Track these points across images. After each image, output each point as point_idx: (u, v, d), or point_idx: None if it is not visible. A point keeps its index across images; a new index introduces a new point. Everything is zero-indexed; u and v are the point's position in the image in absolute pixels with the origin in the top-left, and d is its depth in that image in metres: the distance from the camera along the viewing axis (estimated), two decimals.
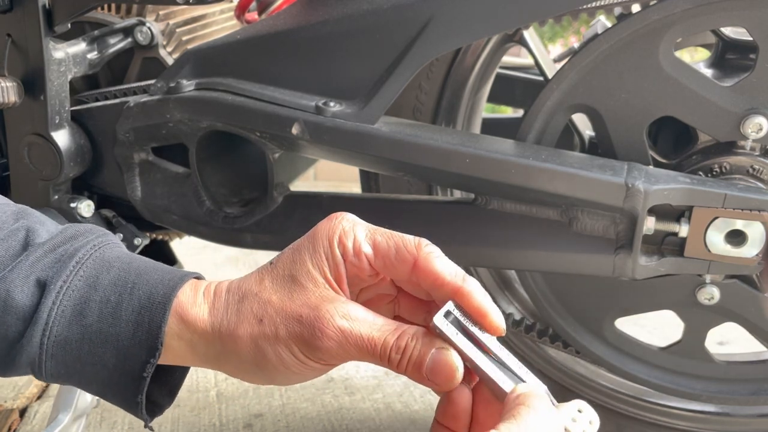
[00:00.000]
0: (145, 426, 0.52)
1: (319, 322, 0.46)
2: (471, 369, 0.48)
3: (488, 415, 0.48)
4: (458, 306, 0.47)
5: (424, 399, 1.33)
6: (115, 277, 0.50)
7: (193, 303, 0.50)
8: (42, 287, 0.49)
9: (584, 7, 0.77)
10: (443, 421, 0.48)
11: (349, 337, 0.46)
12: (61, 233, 0.53)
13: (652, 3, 0.75)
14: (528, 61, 1.17)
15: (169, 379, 0.55)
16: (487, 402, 0.48)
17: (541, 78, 1.01)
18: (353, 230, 0.50)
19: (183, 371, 0.56)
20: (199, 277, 0.53)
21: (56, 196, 0.91)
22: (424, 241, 0.49)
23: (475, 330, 0.47)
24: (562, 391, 0.99)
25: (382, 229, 0.50)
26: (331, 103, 0.79)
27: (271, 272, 0.50)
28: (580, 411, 0.45)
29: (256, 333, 0.48)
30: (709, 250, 0.74)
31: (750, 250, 0.74)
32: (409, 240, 0.49)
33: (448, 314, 0.47)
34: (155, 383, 0.53)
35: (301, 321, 0.47)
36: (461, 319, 0.47)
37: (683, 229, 0.75)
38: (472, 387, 0.49)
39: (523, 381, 0.46)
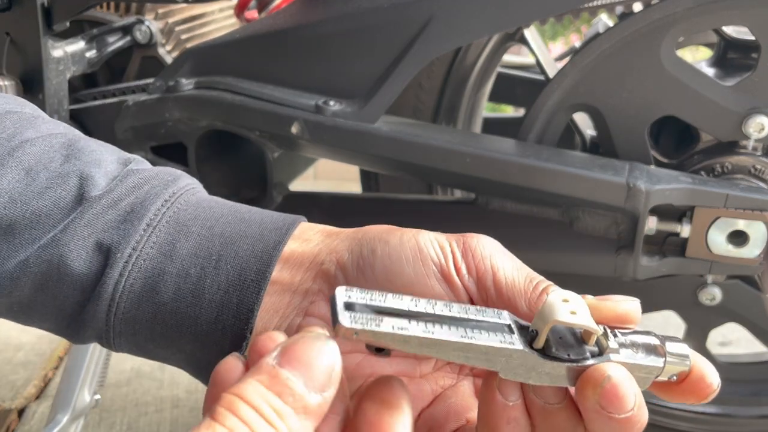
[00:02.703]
0: None
1: None
2: (420, 355, 0.35)
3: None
4: (348, 288, 0.33)
5: None
6: (196, 246, 0.42)
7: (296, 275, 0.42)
8: (105, 253, 0.41)
9: (586, 5, 0.77)
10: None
11: None
12: (121, 181, 0.44)
13: (654, 2, 0.75)
14: (529, 60, 1.17)
15: None
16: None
17: (542, 77, 1.01)
18: None
19: None
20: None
21: None
22: None
23: (389, 301, 0.33)
24: None
25: None
26: (331, 102, 0.79)
27: None
28: (566, 300, 0.35)
29: None
30: (710, 251, 0.74)
31: (752, 251, 0.73)
32: None
33: (348, 306, 0.32)
34: None
35: None
36: (362, 300, 0.33)
37: (685, 230, 0.74)
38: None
39: (490, 322, 0.34)
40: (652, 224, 0.74)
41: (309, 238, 0.43)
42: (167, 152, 0.91)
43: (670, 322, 1.49)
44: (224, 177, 0.92)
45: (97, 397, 1.03)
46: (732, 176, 0.79)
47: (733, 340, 1.55)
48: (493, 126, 1.08)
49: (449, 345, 0.32)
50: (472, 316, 0.34)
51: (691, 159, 0.81)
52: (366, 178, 0.99)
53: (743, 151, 0.79)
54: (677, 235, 0.75)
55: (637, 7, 0.77)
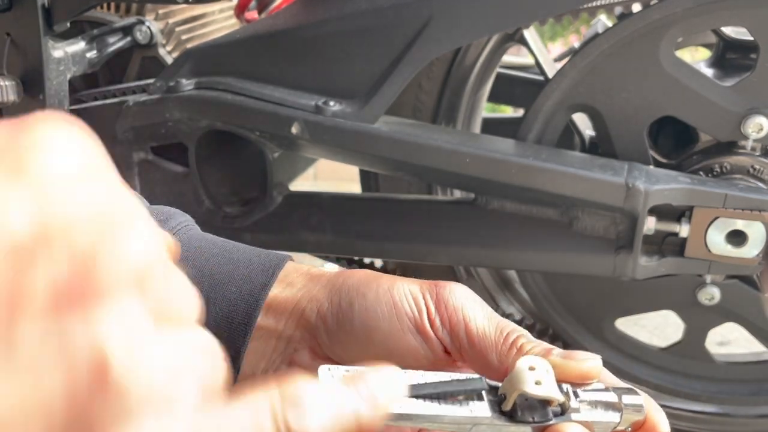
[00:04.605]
0: None
1: None
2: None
3: None
4: (330, 367, 0.34)
5: None
6: None
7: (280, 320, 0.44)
8: None
9: (585, 6, 0.77)
10: None
11: None
12: None
13: (652, 2, 0.75)
14: (528, 60, 1.17)
15: None
16: None
17: (541, 77, 1.01)
18: None
19: None
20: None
21: None
22: None
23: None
24: None
25: None
26: (331, 103, 0.79)
27: None
28: (532, 368, 0.36)
29: None
30: (709, 250, 0.74)
31: (750, 250, 0.74)
32: None
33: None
34: None
35: None
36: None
37: (684, 229, 0.75)
38: None
39: (462, 390, 0.36)
40: (651, 224, 0.75)
41: (293, 281, 0.44)
42: (167, 152, 0.91)
43: (669, 321, 1.49)
44: (224, 177, 0.92)
45: None
46: (731, 176, 0.79)
47: (732, 339, 1.55)
48: (492, 126, 1.08)
49: (420, 418, 0.34)
50: (442, 389, 0.35)
51: (689, 159, 0.82)
52: (366, 178, 1.00)
53: (742, 152, 0.79)
54: (676, 234, 0.75)
55: (636, 7, 0.77)
